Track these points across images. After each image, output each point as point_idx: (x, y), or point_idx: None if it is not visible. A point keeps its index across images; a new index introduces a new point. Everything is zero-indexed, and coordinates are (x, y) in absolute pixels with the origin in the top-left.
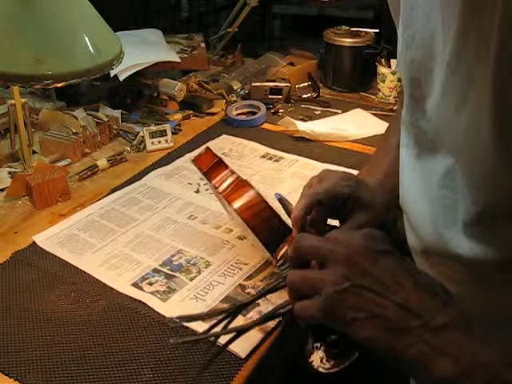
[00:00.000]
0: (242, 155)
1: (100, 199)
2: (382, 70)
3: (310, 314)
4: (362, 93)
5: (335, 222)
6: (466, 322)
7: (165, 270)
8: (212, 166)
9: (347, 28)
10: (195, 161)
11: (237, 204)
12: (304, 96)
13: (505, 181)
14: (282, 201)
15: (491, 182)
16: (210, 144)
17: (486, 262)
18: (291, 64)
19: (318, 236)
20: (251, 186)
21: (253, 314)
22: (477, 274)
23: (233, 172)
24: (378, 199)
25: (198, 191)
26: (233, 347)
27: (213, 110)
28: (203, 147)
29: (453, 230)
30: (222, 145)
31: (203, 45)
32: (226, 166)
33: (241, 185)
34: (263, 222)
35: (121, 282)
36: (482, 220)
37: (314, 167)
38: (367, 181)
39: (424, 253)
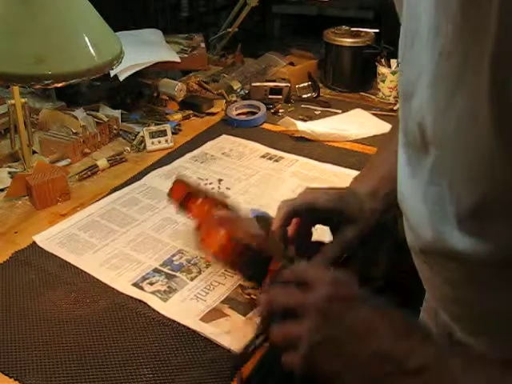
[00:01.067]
0: (242, 155)
1: (100, 199)
2: (381, 70)
3: (296, 364)
4: (362, 93)
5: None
6: (444, 358)
7: (165, 269)
8: (184, 200)
9: (347, 28)
10: (169, 195)
11: (210, 249)
12: (304, 96)
13: (500, 172)
14: (259, 218)
15: (485, 174)
16: (210, 144)
17: (481, 260)
18: (291, 64)
19: (294, 272)
20: (219, 223)
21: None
22: (474, 273)
23: (204, 202)
24: (368, 207)
25: None
26: (232, 347)
27: (213, 109)
28: (179, 177)
29: (448, 227)
30: (222, 145)
31: (203, 45)
32: (198, 197)
33: (211, 224)
34: (239, 259)
35: (121, 281)
36: (476, 215)
37: (314, 167)
38: (357, 191)
39: (422, 252)
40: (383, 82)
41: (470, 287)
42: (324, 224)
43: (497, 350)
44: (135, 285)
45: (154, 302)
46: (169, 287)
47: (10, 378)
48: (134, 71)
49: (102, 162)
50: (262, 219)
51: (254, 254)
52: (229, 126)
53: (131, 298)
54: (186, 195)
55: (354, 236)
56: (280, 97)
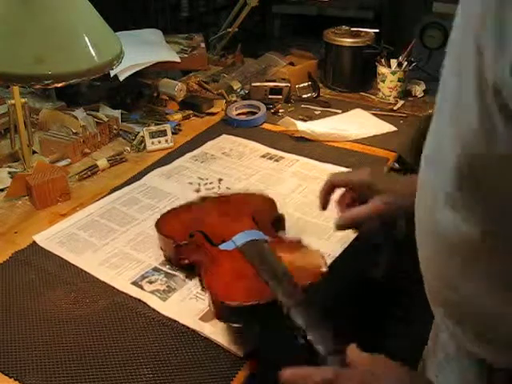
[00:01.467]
0: (242, 155)
1: (100, 199)
2: (382, 70)
3: None
4: (362, 93)
5: None
6: None
7: (164, 268)
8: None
9: (347, 28)
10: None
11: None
12: (304, 96)
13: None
14: (247, 250)
15: (471, 141)
16: (210, 144)
17: (477, 250)
18: (291, 64)
19: None
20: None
21: None
22: (473, 271)
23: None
24: (397, 187)
25: (198, 190)
26: (231, 346)
27: (213, 109)
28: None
29: (441, 213)
30: (222, 145)
31: (203, 45)
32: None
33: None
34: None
35: (121, 280)
36: (464, 187)
37: (314, 167)
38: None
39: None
40: (383, 81)
41: (469, 287)
42: (360, 196)
43: (503, 358)
44: (135, 283)
45: (153, 302)
46: (168, 286)
47: (10, 377)
48: (133, 71)
49: (101, 162)
50: (249, 251)
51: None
52: (229, 125)
53: (131, 297)
54: (175, 251)
55: (381, 203)
56: (280, 97)
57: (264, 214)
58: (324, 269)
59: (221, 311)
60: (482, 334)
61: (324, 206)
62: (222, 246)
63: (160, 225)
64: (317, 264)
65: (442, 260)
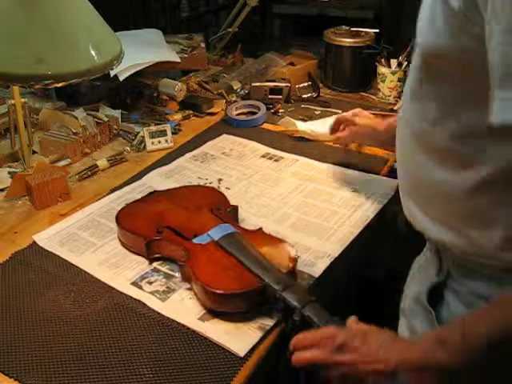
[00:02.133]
0: (242, 155)
1: (100, 199)
2: (381, 70)
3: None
4: (362, 93)
5: None
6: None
7: (164, 269)
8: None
9: (347, 28)
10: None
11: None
12: (304, 96)
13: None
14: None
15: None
16: (210, 144)
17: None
18: (291, 64)
19: None
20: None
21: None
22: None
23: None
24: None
25: None
26: (231, 346)
27: (213, 110)
28: None
29: (408, 103)
30: (222, 144)
31: (203, 45)
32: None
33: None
34: None
35: (120, 280)
36: (422, 80)
37: (314, 167)
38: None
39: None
40: (383, 81)
41: (422, 158)
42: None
43: (445, 236)
44: (134, 284)
45: (153, 302)
46: (167, 287)
47: (10, 378)
48: (133, 71)
49: (101, 162)
50: (229, 243)
51: None
52: (229, 125)
53: (131, 297)
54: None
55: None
56: (280, 97)
57: (220, 206)
58: (295, 258)
59: (214, 300)
60: (446, 215)
61: (332, 133)
62: (196, 240)
63: (122, 221)
64: (286, 255)
65: (409, 143)
